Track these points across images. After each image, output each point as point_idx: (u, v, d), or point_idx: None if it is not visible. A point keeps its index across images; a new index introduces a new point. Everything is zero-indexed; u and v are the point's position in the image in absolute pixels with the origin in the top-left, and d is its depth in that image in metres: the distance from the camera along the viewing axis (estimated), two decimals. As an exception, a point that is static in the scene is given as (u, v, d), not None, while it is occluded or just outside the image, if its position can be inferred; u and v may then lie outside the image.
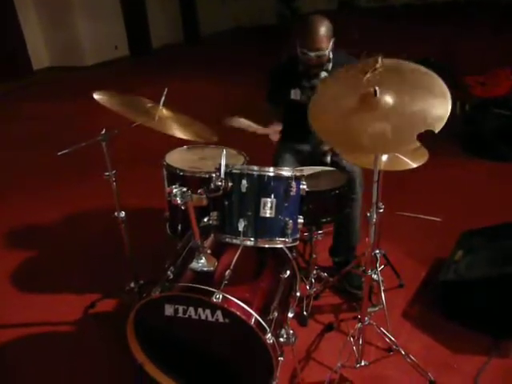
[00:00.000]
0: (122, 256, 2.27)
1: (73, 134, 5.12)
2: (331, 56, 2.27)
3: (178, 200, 1.55)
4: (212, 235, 1.81)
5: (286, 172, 1.67)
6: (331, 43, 2.21)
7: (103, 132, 1.94)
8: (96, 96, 1.78)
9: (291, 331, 1.81)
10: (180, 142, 2.37)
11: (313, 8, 12.99)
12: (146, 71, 9.46)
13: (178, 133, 1.79)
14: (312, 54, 2.18)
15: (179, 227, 2.23)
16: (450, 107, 1.43)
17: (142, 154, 4.51)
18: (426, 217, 3.07)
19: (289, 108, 2.44)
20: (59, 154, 1.85)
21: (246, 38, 12.99)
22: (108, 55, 10.28)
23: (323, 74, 2.31)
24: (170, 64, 10.07)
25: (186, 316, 1.65)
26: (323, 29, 2.15)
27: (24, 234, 3.34)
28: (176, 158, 2.15)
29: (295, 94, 2.39)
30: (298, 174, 1.69)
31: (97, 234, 3.22)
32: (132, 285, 2.33)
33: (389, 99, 1.50)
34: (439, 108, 1.44)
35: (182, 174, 2.02)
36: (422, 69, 1.56)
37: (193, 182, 1.98)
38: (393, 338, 2.02)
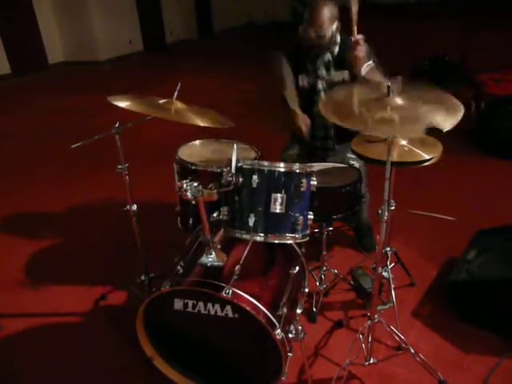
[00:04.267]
0: (133, 249, 2.28)
1: (86, 127, 5.18)
2: (338, 40, 2.32)
3: (189, 195, 1.55)
4: (222, 230, 1.82)
5: (297, 168, 1.67)
6: (334, 26, 2.25)
7: (117, 125, 1.95)
8: (112, 100, 1.77)
9: (300, 327, 1.81)
10: (193, 137, 2.40)
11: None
12: (159, 66, 9.50)
13: (196, 120, 1.78)
14: (312, 33, 2.23)
15: (190, 221, 2.24)
16: (455, 122, 1.41)
17: (155, 147, 4.54)
18: (439, 215, 3.04)
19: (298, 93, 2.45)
20: (73, 147, 1.87)
21: (260, 34, 12.94)
22: (122, 50, 10.34)
23: (327, 57, 2.33)
24: (183, 59, 10.10)
25: (196, 311, 1.66)
26: (325, 10, 2.22)
27: (36, 225, 3.39)
28: (188, 152, 2.15)
29: (302, 80, 2.40)
30: (308, 169, 1.69)
31: (108, 226, 3.24)
32: (142, 278, 2.35)
33: (401, 100, 1.50)
34: (446, 119, 1.42)
35: (193, 168, 2.02)
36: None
37: (204, 176, 1.98)
38: (402, 337, 2.00)
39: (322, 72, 2.36)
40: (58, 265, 2.88)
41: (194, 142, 2.34)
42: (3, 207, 3.65)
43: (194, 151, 2.20)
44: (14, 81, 8.89)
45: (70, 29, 9.97)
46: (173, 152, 2.26)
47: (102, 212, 3.47)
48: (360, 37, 2.11)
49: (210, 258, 1.68)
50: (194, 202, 1.61)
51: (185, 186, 1.55)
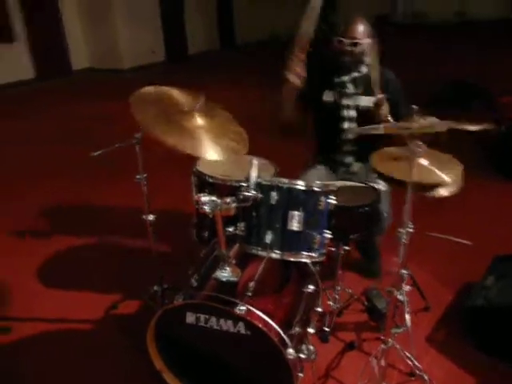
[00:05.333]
0: (148, 259, 2.29)
1: (106, 135, 5.24)
2: (367, 61, 2.28)
3: (207, 209, 1.55)
4: (237, 245, 1.81)
5: (316, 186, 1.66)
6: (367, 41, 2.24)
7: (137, 135, 1.97)
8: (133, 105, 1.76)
9: (312, 347, 1.78)
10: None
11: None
12: (181, 77, 9.60)
13: (207, 152, 1.66)
14: (347, 41, 2.23)
15: (206, 234, 2.23)
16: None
17: (173, 157, 4.53)
18: (456, 239, 2.98)
19: (320, 113, 2.44)
20: (93, 154, 1.89)
21: (283, 49, 13.02)
22: (145, 59, 10.51)
23: (355, 75, 2.32)
24: (205, 71, 10.20)
25: (207, 325, 1.65)
26: (361, 24, 2.24)
27: (52, 230, 3.42)
28: (207, 165, 2.15)
29: (326, 95, 2.39)
30: (327, 188, 1.68)
31: (124, 234, 3.26)
32: (155, 288, 2.35)
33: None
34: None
35: (211, 181, 2.02)
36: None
37: (222, 189, 1.97)
38: (416, 363, 1.96)
39: (350, 88, 2.34)
40: (72, 270, 2.90)
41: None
42: (21, 211, 3.70)
43: (212, 163, 2.20)
44: (37, 86, 9.09)
45: (95, 36, 10.20)
46: (191, 163, 2.27)
47: (118, 220, 3.50)
48: (381, 96, 2.12)
49: (225, 273, 1.67)
50: (211, 216, 1.61)
51: (203, 199, 1.55)
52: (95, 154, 1.90)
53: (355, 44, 2.23)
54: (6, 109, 7.40)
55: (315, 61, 2.46)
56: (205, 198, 1.55)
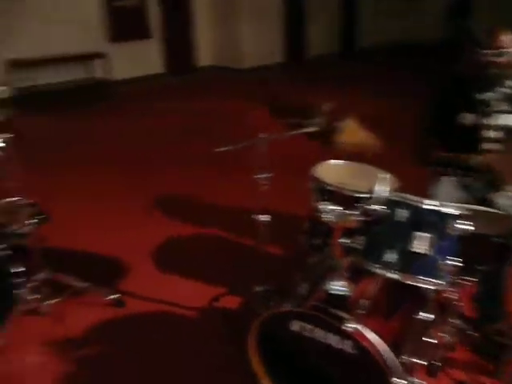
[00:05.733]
0: (255, 258, 2.30)
1: (225, 132, 5.44)
2: None
3: (327, 218, 1.50)
4: (351, 258, 1.73)
5: (449, 208, 1.52)
6: None
7: (261, 136, 1.98)
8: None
9: (418, 380, 1.64)
10: (332, 155, 2.34)
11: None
12: (298, 79, 9.64)
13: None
14: (492, 51, 2.04)
15: (318, 242, 2.18)
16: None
17: (290, 159, 4.47)
18: None
19: (454, 134, 2.24)
20: (217, 150, 1.94)
21: (406, 55, 12.42)
22: (264, 60, 10.75)
23: (500, 89, 2.09)
24: (322, 75, 10.11)
25: (312, 336, 1.60)
26: (505, 33, 2.05)
27: (169, 218, 3.62)
28: (326, 172, 2.09)
29: (466, 118, 2.18)
30: (461, 212, 1.52)
31: (236, 231, 3.31)
32: (259, 289, 2.35)
33: None
34: None
35: (330, 189, 1.96)
36: None
37: (341, 199, 1.90)
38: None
39: (495, 106, 2.12)
40: (182, 258, 3.05)
41: (332, 162, 2.28)
42: (144, 198, 3.99)
43: (331, 171, 2.14)
44: (165, 80, 9.78)
45: (221, 35, 10.68)
46: (308, 167, 2.23)
47: (232, 216, 3.56)
48: None
49: (337, 286, 1.60)
50: (329, 225, 1.55)
51: (324, 207, 1.50)
52: (220, 149, 1.95)
53: (501, 54, 2.02)
54: (136, 100, 8.09)
55: (448, 83, 2.28)
56: (327, 207, 1.50)
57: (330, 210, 1.49)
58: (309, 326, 1.60)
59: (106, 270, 2.91)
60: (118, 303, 2.51)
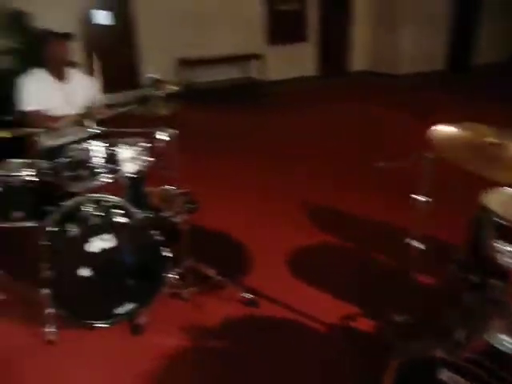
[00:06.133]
0: (399, 283, 2.12)
1: (375, 141, 5.22)
2: None
3: (506, 261, 1.27)
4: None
5: None
6: None
7: (428, 154, 1.79)
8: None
9: None
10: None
11: None
12: (460, 89, 8.80)
13: None
14: None
15: (475, 278, 1.90)
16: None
17: (452, 181, 3.94)
18: None
19: None
20: (377, 165, 1.81)
21: None
22: (422, 67, 10.08)
23: None
24: (489, 86, 9.05)
25: (462, 391, 1.38)
26: None
27: (311, 224, 3.56)
28: (500, 202, 1.79)
29: None
30: None
31: (381, 250, 3.10)
32: (398, 318, 2.16)
33: None
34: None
35: (507, 225, 1.66)
36: None
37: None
38: None
39: None
40: (319, 267, 2.97)
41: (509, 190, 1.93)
42: (282, 199, 4.02)
43: (509, 202, 1.82)
44: (317, 83, 9.82)
45: (378, 38, 10.33)
46: (475, 194, 1.95)
47: (381, 235, 3.30)
48: None
49: (506, 340, 1.36)
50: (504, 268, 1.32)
51: (503, 248, 1.28)
52: (378, 165, 1.82)
53: None
54: (288, 100, 8.26)
55: None
56: (505, 248, 1.27)
57: (509, 252, 1.26)
58: (462, 380, 1.39)
59: (242, 265, 2.98)
60: (252, 303, 2.55)
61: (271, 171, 4.68)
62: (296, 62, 9.84)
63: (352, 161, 4.88)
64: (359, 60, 10.59)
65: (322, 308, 2.53)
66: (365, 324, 2.40)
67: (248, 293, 2.58)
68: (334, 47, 10.31)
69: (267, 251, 3.11)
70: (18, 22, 6.42)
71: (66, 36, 3.02)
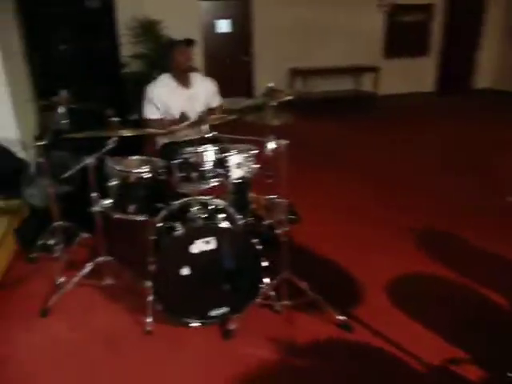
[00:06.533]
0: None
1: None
2: None
3: None
4: None
5: None
6: None
7: None
8: None
9: None
10: None
11: None
12: None
13: None
14: None
15: None
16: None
17: None
18: None
19: None
20: (508, 200, 1.60)
21: None
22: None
23: None
24: None
25: None
26: None
27: (417, 251, 3.32)
28: None
29: None
30: None
31: (501, 291, 2.75)
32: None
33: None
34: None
35: None
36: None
37: None
38: None
39: None
40: (423, 300, 2.74)
41: None
42: (388, 222, 3.82)
43: None
44: (434, 100, 9.27)
45: (506, 55, 9.45)
46: None
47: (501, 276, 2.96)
48: None
49: None
50: None
51: None
52: (510, 199, 1.61)
53: None
54: (401, 116, 7.91)
55: None
56: None
57: None
58: None
59: (339, 287, 2.86)
60: (345, 326, 2.43)
61: (376, 190, 4.48)
62: (413, 76, 9.36)
63: (473, 195, 4.17)
64: (484, 76, 9.77)
65: (423, 344, 2.32)
66: (471, 372, 2.14)
67: (343, 315, 2.47)
68: (457, 62, 9.62)
69: (368, 276, 2.93)
70: (149, 29, 6.97)
71: (191, 42, 3.18)
